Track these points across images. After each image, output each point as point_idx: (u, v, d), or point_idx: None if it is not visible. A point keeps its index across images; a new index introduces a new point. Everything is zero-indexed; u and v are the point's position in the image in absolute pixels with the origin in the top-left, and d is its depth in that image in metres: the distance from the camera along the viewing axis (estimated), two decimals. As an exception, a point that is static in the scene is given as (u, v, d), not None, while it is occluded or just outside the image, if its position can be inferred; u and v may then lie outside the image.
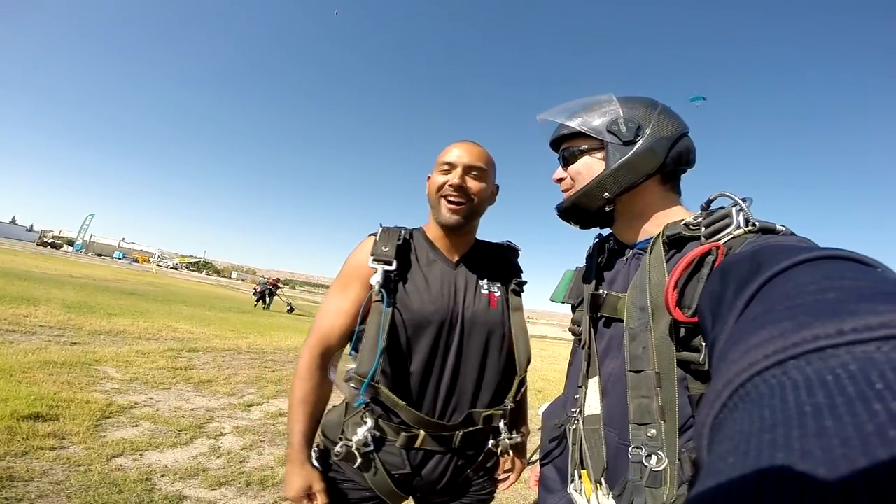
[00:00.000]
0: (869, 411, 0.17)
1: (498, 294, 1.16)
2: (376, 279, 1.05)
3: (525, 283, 1.24)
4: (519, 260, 1.30)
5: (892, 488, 0.15)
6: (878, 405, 0.17)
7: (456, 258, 1.17)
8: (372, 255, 1.08)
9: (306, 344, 1.10)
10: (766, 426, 0.20)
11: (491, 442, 1.13)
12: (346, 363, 1.07)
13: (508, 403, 1.11)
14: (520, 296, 1.22)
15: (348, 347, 1.12)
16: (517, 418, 1.24)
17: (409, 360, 1.06)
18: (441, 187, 1.11)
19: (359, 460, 1.02)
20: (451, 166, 1.11)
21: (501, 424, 1.15)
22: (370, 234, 1.16)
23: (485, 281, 1.16)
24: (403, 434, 1.03)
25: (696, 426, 0.26)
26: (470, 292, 1.13)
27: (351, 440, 1.02)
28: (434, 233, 1.18)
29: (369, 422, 1.03)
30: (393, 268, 1.07)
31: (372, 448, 1.03)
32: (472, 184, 1.11)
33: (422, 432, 1.04)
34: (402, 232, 1.14)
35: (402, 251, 1.11)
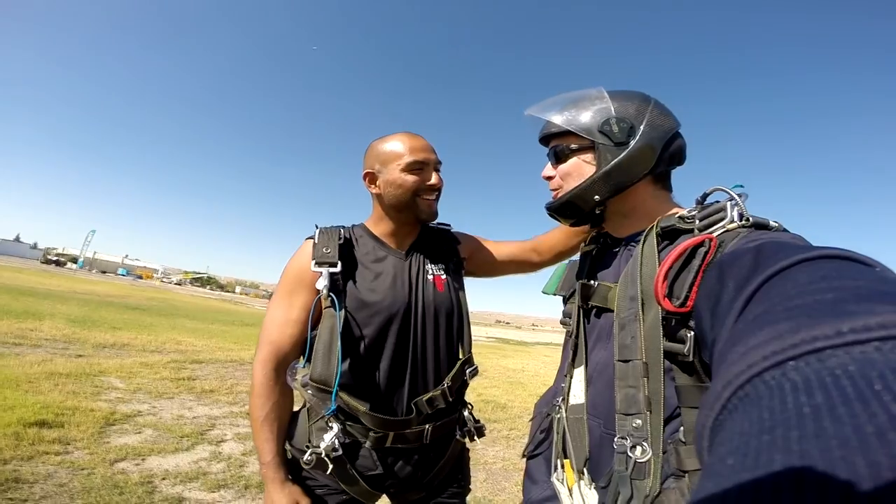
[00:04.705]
0: (868, 413, 0.17)
1: (444, 276, 1.14)
2: (322, 283, 1.01)
3: (464, 259, 1.21)
4: (453, 230, 1.27)
5: (891, 490, 0.15)
6: (877, 406, 0.17)
7: (405, 249, 1.14)
8: (314, 259, 1.04)
9: (257, 359, 1.05)
10: (765, 428, 0.19)
11: (458, 433, 1.13)
12: (302, 371, 1.05)
13: (446, 382, 1.06)
14: (461, 274, 1.20)
15: (301, 358, 1.09)
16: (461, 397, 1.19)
17: (368, 360, 1.03)
18: (418, 187, 1.07)
19: (330, 467, 0.99)
20: (423, 164, 1.07)
21: (466, 413, 1.15)
22: (307, 238, 1.11)
23: (430, 265, 1.14)
24: (372, 435, 1.01)
25: (696, 427, 0.27)
26: (420, 280, 1.10)
27: (319, 447, 0.99)
28: (383, 227, 1.14)
29: (335, 427, 1.00)
30: (338, 269, 1.03)
31: (341, 453, 1.00)
32: (440, 177, 1.11)
33: (390, 433, 1.02)
34: (342, 231, 1.11)
35: (345, 250, 1.07)
